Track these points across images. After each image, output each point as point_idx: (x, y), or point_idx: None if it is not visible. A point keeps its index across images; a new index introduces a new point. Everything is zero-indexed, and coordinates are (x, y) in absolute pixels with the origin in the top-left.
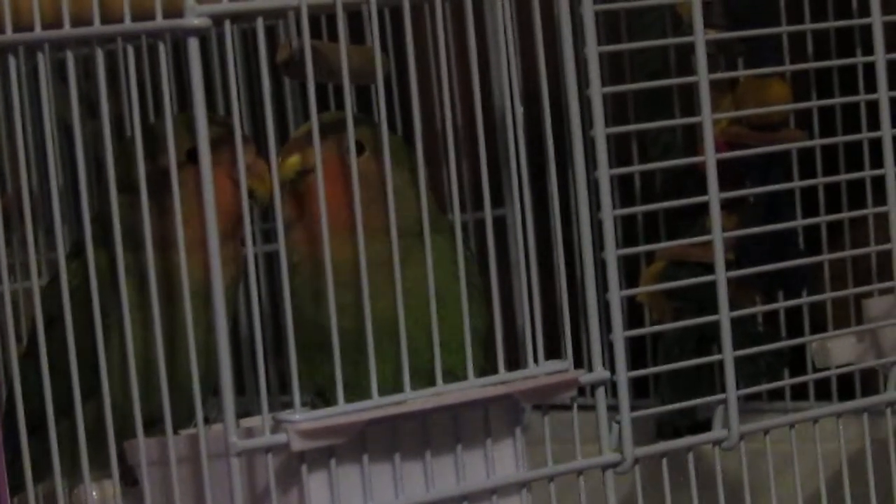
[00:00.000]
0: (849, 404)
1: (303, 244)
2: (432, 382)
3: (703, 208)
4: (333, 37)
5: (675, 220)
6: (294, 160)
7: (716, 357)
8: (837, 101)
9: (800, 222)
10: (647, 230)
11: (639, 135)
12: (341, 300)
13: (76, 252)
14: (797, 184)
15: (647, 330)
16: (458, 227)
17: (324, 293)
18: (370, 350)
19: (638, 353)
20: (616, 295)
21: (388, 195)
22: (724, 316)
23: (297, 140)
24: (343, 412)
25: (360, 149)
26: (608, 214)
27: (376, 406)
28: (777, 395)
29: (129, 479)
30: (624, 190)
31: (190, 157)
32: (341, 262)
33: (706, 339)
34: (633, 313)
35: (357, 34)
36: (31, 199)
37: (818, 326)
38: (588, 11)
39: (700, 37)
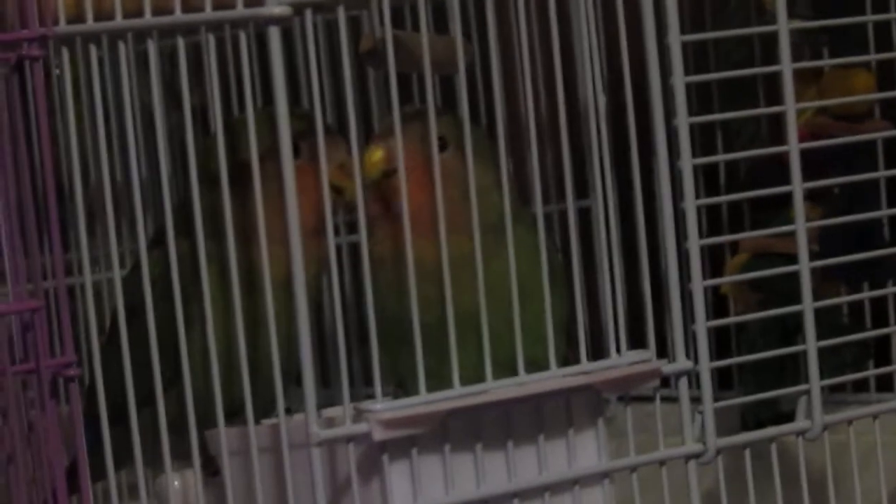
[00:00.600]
0: None
1: (388, 238)
2: (515, 373)
3: (787, 200)
4: (417, 27)
5: (760, 211)
6: (378, 159)
7: (799, 348)
8: None
9: (885, 212)
10: (731, 222)
11: (724, 127)
12: (424, 294)
13: (158, 241)
14: (882, 173)
15: (729, 320)
16: (541, 218)
17: (407, 287)
18: (452, 340)
19: (723, 345)
20: (699, 285)
21: (471, 192)
22: (808, 306)
23: (381, 137)
24: (424, 402)
25: (443, 144)
26: (691, 204)
27: (458, 396)
28: (862, 387)
29: (211, 468)
30: (709, 182)
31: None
32: (425, 258)
33: (790, 331)
34: (719, 305)
35: (441, 25)
36: (114, 190)
37: None
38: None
39: (783, 25)
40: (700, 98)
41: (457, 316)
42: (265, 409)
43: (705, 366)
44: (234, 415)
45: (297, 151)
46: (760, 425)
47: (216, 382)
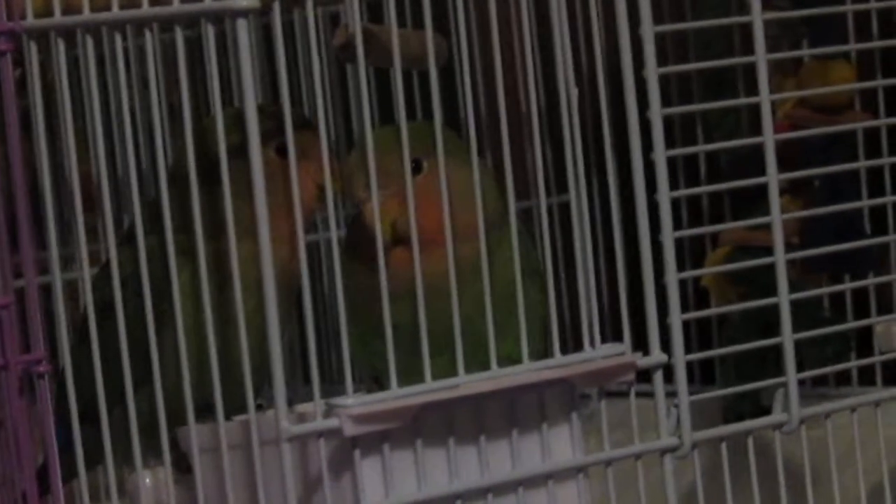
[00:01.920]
0: None
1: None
2: None
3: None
4: (401, 22)
5: (741, 204)
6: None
7: (776, 340)
8: None
9: (865, 202)
10: (712, 215)
11: (704, 119)
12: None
13: (129, 238)
14: (860, 164)
15: (703, 313)
16: (513, 214)
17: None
18: (423, 335)
19: (705, 339)
20: (673, 277)
21: (477, 192)
22: (784, 298)
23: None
24: (396, 396)
25: (417, 166)
26: (664, 196)
27: (430, 390)
28: (844, 381)
29: (184, 465)
30: (690, 175)
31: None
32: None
33: (771, 325)
34: (701, 300)
35: (438, 19)
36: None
37: (886, 313)
38: None
39: (758, 16)
40: (681, 91)
41: (442, 323)
42: (241, 405)
43: (680, 359)
44: (209, 411)
45: (285, 149)
46: (742, 420)
47: (186, 379)
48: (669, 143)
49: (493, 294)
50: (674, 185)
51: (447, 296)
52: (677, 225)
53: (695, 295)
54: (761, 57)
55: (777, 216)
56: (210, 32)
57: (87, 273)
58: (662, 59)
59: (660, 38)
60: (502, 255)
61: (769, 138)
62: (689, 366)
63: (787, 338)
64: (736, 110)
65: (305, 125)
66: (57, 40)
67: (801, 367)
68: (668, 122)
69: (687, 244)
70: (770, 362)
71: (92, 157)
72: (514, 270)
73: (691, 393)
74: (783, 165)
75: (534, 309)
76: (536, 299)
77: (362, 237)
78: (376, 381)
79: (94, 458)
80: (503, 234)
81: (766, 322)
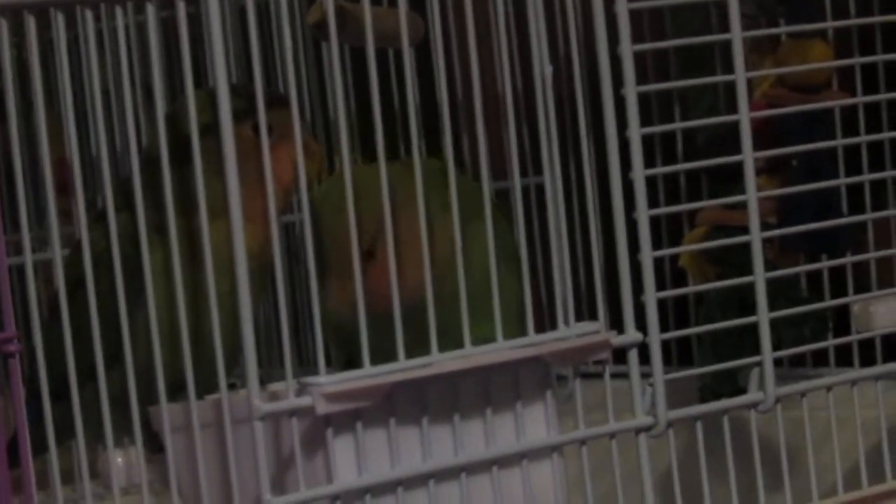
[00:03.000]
0: (890, 366)
1: None
2: None
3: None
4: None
5: (719, 184)
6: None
7: (751, 319)
8: (879, 58)
9: (843, 181)
10: (690, 196)
11: (681, 99)
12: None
13: (104, 216)
14: (837, 142)
15: (677, 291)
16: (488, 194)
17: None
18: (397, 316)
19: (683, 321)
20: (648, 255)
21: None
22: (759, 276)
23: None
24: (368, 375)
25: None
26: (639, 174)
27: (402, 369)
28: (822, 362)
29: (156, 445)
30: (667, 155)
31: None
32: None
33: (748, 305)
34: (679, 281)
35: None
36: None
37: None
38: None
39: None
40: (658, 70)
41: (421, 321)
42: (215, 384)
43: (655, 337)
44: (182, 390)
45: (269, 130)
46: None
47: (157, 358)
48: (647, 121)
49: (471, 282)
50: (651, 164)
51: (424, 296)
52: (654, 205)
53: (672, 276)
54: (736, 34)
55: (752, 195)
56: (182, 9)
57: (57, 250)
58: (639, 40)
59: (637, 18)
60: (479, 244)
61: (744, 116)
62: (667, 348)
63: (763, 316)
64: (714, 89)
65: (284, 104)
66: (28, 18)
67: (778, 348)
68: (645, 101)
69: (664, 224)
70: (747, 343)
71: (66, 138)
72: (491, 258)
73: (668, 373)
74: (762, 146)
75: (511, 294)
76: (514, 285)
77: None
78: (349, 365)
79: (65, 434)
80: (481, 223)
81: (743, 302)
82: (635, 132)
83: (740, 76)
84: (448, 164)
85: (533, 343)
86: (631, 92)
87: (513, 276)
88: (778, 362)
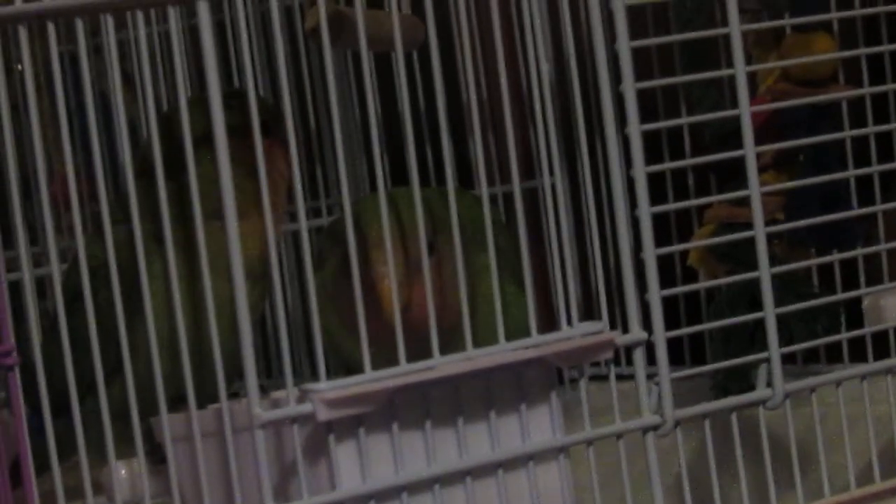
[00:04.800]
0: None
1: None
2: None
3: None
4: (375, 3)
5: (727, 181)
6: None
7: (758, 314)
8: (885, 48)
9: (850, 173)
10: (698, 193)
11: (686, 95)
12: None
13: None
14: (844, 133)
15: (681, 289)
16: (486, 198)
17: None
18: (397, 320)
19: (695, 320)
20: (651, 253)
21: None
22: (765, 271)
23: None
24: (369, 380)
25: (430, 247)
26: (640, 171)
27: (404, 373)
28: (836, 359)
29: (159, 456)
30: (675, 153)
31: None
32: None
33: (758, 302)
34: (689, 281)
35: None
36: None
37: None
38: None
39: None
40: (664, 68)
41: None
42: (217, 393)
43: (660, 335)
44: (184, 400)
45: (267, 131)
46: None
47: (157, 368)
48: (653, 118)
49: (486, 306)
50: (659, 163)
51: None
52: (663, 201)
53: (683, 275)
54: (735, 28)
55: (755, 190)
56: (173, 16)
57: (55, 261)
58: (644, 37)
59: (640, 16)
60: (479, 262)
61: (745, 110)
62: (680, 348)
63: (769, 312)
64: (718, 87)
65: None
66: (18, 29)
67: (789, 344)
68: (651, 98)
69: (674, 223)
70: (759, 340)
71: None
72: (492, 278)
73: (675, 373)
74: (768, 142)
75: (516, 309)
76: (518, 301)
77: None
78: (349, 373)
79: (68, 449)
80: (483, 242)
81: (754, 300)
82: (635, 129)
83: (740, 70)
84: (450, 188)
85: (536, 344)
86: (629, 89)
87: (518, 293)
88: (791, 359)
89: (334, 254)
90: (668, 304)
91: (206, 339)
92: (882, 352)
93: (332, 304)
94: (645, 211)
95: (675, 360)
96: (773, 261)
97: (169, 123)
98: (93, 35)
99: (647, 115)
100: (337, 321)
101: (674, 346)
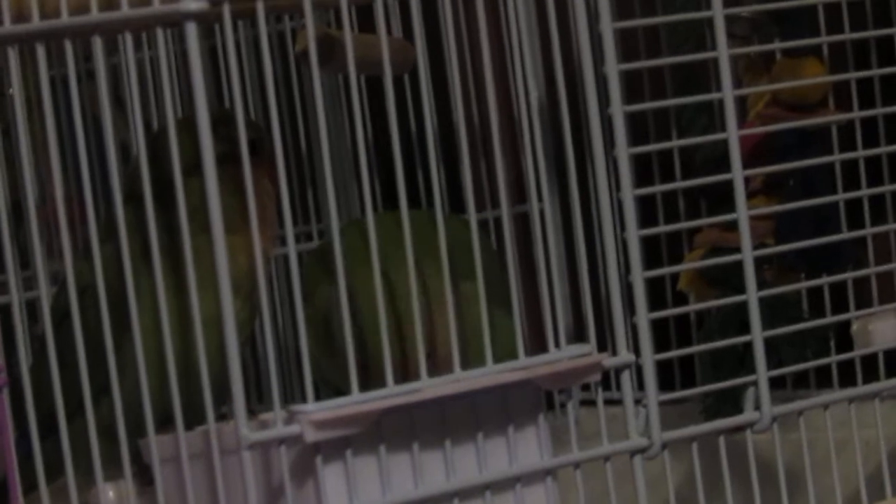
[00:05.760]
0: (888, 382)
1: None
2: None
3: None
4: (367, 27)
5: (717, 205)
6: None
7: (745, 338)
8: (874, 72)
9: (839, 196)
10: (689, 217)
11: (677, 119)
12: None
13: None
14: (834, 157)
15: (669, 312)
16: (475, 222)
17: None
18: (384, 337)
19: (686, 345)
20: (638, 276)
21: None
22: (752, 294)
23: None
24: (357, 401)
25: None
26: (628, 194)
27: (391, 395)
28: (825, 383)
29: (147, 477)
30: (666, 177)
31: None
32: None
33: (748, 326)
34: (680, 304)
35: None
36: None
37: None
38: None
39: (718, 10)
40: (655, 92)
41: None
42: (205, 416)
43: (648, 358)
44: (172, 421)
45: (255, 150)
46: None
47: (144, 390)
48: (644, 141)
49: (474, 330)
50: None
51: None
52: (654, 226)
53: (673, 299)
54: (723, 52)
55: (743, 213)
56: (160, 37)
57: (43, 279)
58: (636, 60)
59: (632, 38)
60: (466, 286)
61: (733, 134)
62: (670, 373)
63: (757, 335)
64: (708, 111)
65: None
66: (7, 51)
67: (779, 369)
68: (641, 121)
69: (665, 247)
70: (748, 365)
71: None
72: (480, 306)
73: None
74: (757, 167)
75: (505, 336)
76: (505, 325)
77: None
78: (337, 394)
79: (55, 471)
80: (471, 266)
81: (744, 324)
82: (622, 152)
83: (727, 93)
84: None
85: (523, 366)
86: (618, 111)
87: (507, 319)
88: (780, 384)
89: (328, 282)
90: (660, 329)
91: (194, 360)
92: (871, 376)
93: (325, 340)
94: (633, 233)
95: (666, 385)
96: (764, 286)
97: (158, 143)
98: (86, 60)
99: (639, 138)
100: (329, 354)
101: (665, 371)
